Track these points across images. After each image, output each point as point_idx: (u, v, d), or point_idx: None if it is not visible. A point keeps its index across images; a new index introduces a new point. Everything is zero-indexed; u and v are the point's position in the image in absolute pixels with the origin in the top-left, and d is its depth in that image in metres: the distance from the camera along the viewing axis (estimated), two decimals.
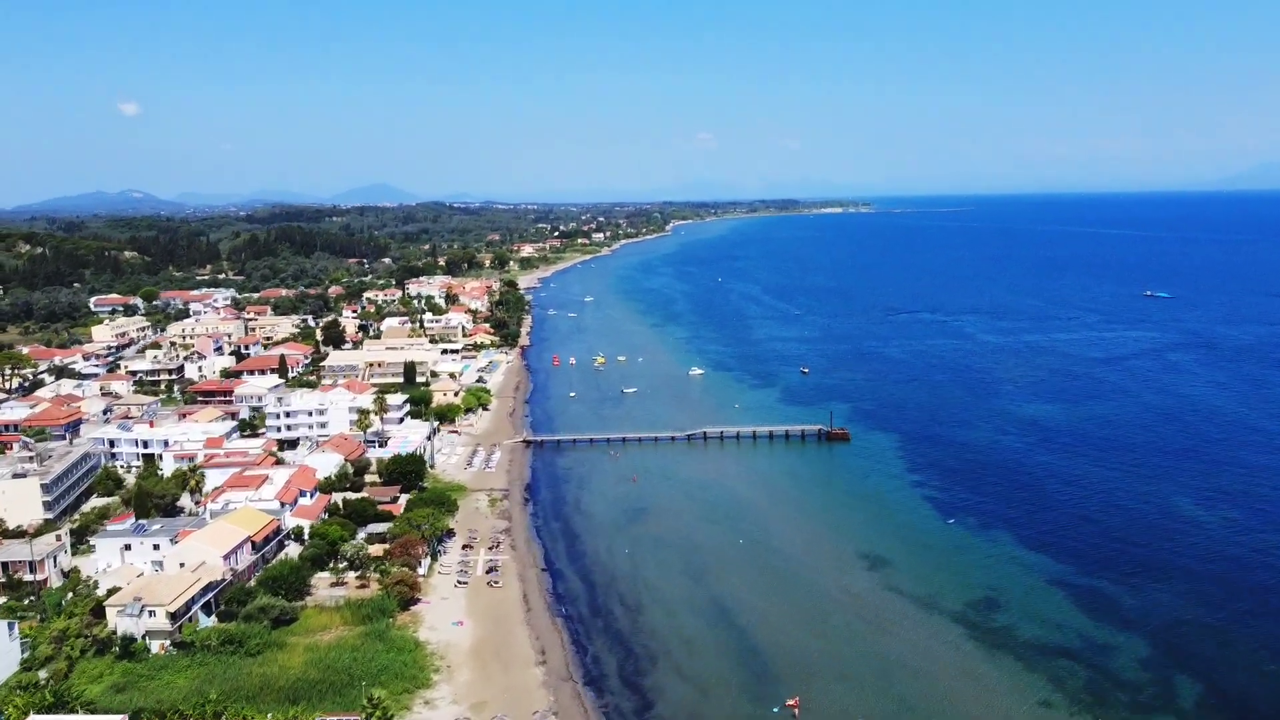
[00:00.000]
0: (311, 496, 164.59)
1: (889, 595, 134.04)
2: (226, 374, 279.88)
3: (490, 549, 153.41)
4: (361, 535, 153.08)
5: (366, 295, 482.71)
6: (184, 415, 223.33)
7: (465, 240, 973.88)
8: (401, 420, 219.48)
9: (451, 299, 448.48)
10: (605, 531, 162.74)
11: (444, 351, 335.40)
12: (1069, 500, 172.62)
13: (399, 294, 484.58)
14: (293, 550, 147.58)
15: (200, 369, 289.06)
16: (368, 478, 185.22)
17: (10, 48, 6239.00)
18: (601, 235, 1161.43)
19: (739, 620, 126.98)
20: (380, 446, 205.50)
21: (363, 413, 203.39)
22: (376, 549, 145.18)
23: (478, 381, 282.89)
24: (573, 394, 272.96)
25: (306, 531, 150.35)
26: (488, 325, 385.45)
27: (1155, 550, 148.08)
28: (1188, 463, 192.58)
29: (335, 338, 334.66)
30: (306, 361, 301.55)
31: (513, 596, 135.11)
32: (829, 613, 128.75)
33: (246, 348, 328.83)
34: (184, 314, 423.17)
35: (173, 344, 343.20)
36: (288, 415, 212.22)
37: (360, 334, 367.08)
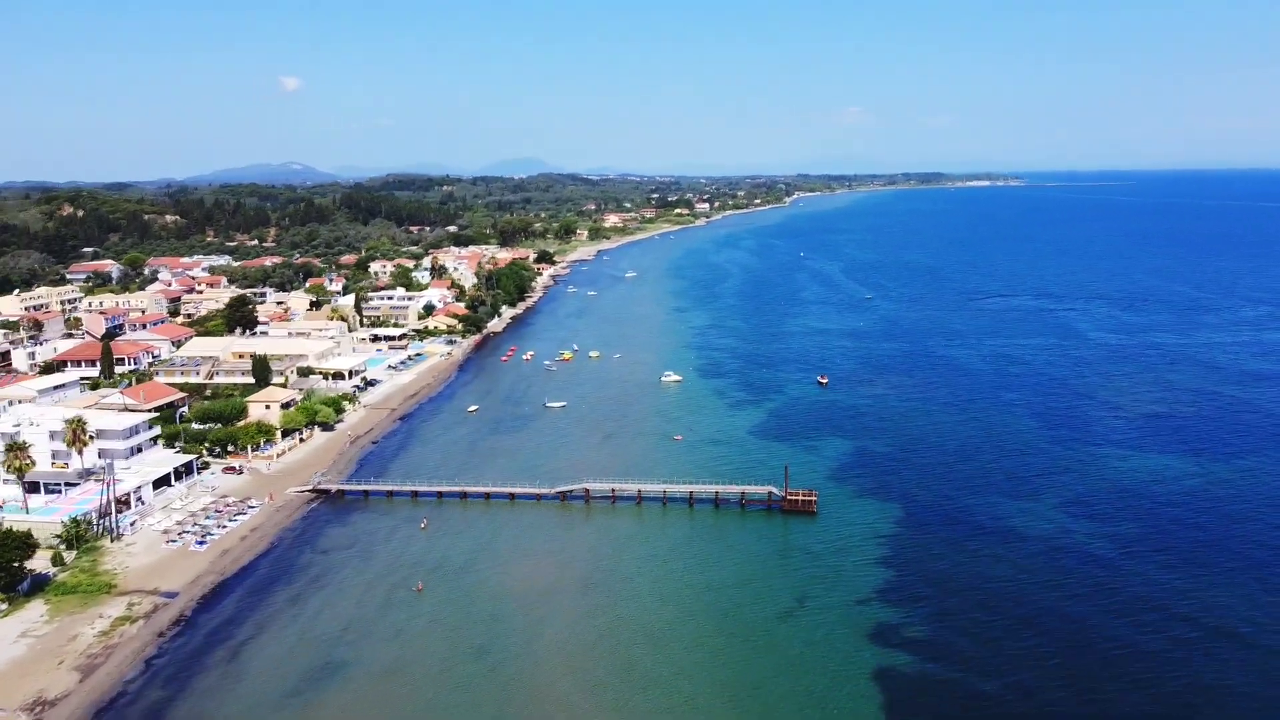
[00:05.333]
0: None
1: None
2: (47, 366, 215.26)
3: None
4: None
5: (373, 267, 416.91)
6: None
7: (559, 210, 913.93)
8: (136, 450, 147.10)
9: (438, 272, 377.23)
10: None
11: (374, 339, 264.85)
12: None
13: (411, 265, 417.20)
14: None
15: (34, 355, 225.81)
16: None
17: (183, 26, 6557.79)
18: (706, 206, 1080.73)
19: None
20: (60, 495, 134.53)
21: (14, 448, 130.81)
22: None
23: (366, 384, 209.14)
24: (473, 408, 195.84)
25: None
26: (463, 305, 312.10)
27: None
28: None
29: (244, 318, 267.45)
30: (175, 350, 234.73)
31: None
32: None
33: (143, 325, 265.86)
34: (151, 283, 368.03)
35: (70, 322, 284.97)
36: None
37: (312, 311, 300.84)
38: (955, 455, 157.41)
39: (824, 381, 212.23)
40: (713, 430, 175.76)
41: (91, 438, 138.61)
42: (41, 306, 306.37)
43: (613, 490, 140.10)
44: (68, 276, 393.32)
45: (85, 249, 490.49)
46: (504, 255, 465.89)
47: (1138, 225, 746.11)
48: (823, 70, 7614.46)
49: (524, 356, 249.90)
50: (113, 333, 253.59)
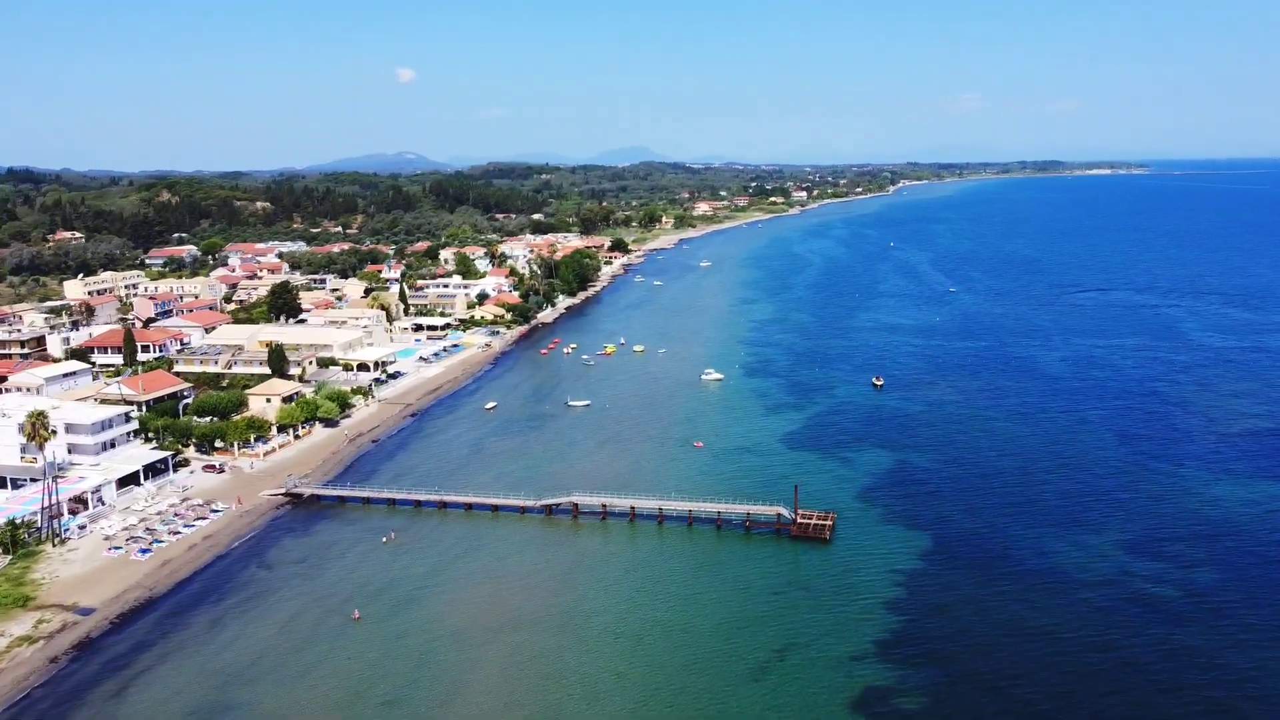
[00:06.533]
0: None
1: None
2: (73, 353, 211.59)
3: None
4: None
5: (443, 254, 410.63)
6: None
7: (653, 198, 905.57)
8: (109, 445, 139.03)
9: (498, 259, 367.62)
10: None
11: (417, 328, 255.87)
12: None
13: (479, 252, 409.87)
14: None
15: (68, 341, 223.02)
16: None
17: (302, 21, 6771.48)
18: (804, 194, 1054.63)
19: None
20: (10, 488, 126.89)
21: None
22: None
23: (388, 376, 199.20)
24: (491, 405, 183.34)
25: None
26: (517, 294, 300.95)
27: None
28: None
29: (285, 305, 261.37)
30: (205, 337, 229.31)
31: None
32: None
33: (189, 310, 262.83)
34: (217, 268, 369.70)
35: (125, 304, 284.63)
36: None
37: (363, 299, 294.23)
38: (1009, 473, 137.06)
39: (879, 383, 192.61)
40: (741, 437, 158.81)
41: (54, 432, 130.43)
42: (105, 291, 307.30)
43: (603, 505, 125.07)
44: (146, 261, 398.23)
45: (174, 234, 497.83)
46: (576, 243, 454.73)
47: (1268, 216, 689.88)
48: (937, 57, 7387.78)
49: (565, 350, 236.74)
50: (153, 319, 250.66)
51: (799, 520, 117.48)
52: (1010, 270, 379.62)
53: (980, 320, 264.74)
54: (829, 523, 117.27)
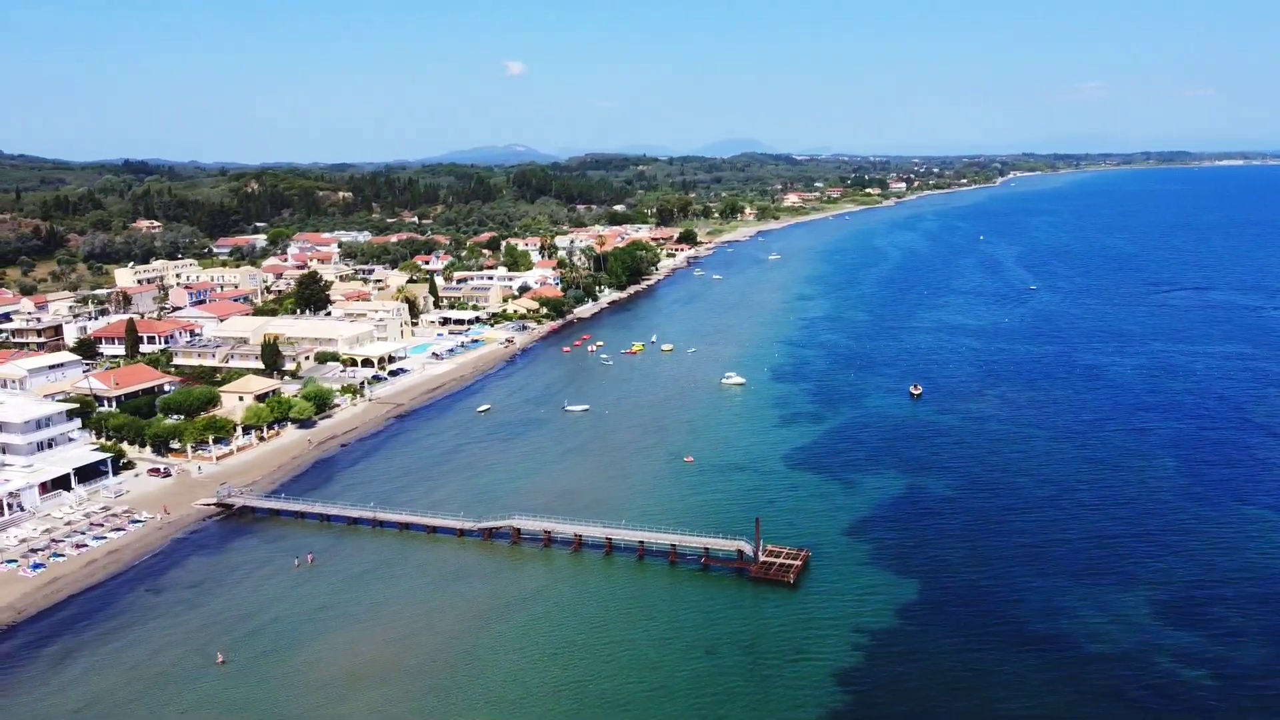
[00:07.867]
0: None
1: None
2: (81, 343, 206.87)
3: None
4: None
5: (506, 244, 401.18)
6: None
7: (744, 190, 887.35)
8: (45, 445, 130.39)
9: (548, 251, 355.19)
10: None
11: (443, 322, 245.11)
12: None
13: (539, 243, 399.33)
14: None
15: (85, 330, 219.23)
16: None
17: (415, 13, 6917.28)
18: (903, 186, 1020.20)
19: None
20: None
21: None
22: None
23: (389, 373, 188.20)
24: (485, 408, 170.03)
25: None
26: (559, 288, 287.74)
27: None
28: None
29: (311, 297, 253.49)
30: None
31: None
32: None
33: (209, 303, 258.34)
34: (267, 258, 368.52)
35: (161, 293, 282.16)
36: None
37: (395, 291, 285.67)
38: (1037, 505, 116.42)
39: (917, 392, 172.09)
40: (741, 452, 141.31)
41: None
42: (153, 279, 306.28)
43: (546, 531, 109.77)
44: (214, 250, 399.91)
45: (251, 224, 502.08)
46: (643, 234, 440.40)
47: None
48: (1059, 42, 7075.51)
49: (590, 348, 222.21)
50: (178, 308, 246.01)
51: (761, 559, 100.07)
52: (1102, 266, 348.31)
53: (1054, 321, 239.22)
54: (798, 563, 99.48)
